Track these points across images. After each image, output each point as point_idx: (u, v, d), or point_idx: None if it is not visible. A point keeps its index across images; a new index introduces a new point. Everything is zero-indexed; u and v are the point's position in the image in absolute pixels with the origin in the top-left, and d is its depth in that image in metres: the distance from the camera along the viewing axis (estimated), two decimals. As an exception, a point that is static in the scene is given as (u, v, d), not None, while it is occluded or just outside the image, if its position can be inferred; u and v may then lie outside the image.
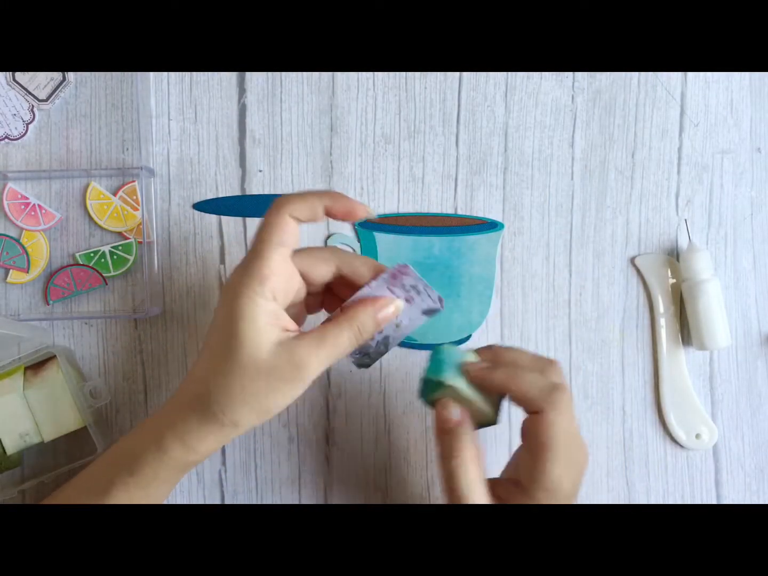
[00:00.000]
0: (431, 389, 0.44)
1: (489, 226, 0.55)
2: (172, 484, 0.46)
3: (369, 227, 0.55)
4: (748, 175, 0.56)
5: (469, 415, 0.44)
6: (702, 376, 0.56)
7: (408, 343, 0.55)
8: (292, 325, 0.43)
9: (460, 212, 0.56)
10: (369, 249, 0.55)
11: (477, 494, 0.42)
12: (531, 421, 0.43)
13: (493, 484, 0.44)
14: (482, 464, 0.43)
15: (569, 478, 0.43)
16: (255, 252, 0.42)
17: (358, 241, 0.55)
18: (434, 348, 0.45)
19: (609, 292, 0.56)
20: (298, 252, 0.43)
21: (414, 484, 0.55)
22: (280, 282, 0.42)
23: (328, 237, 0.55)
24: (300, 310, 0.46)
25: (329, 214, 0.43)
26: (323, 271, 0.44)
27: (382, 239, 0.55)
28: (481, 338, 0.55)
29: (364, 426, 0.55)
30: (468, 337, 0.56)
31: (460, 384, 0.43)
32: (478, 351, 0.46)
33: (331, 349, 0.42)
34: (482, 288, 0.55)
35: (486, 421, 0.45)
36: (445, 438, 0.44)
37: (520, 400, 0.43)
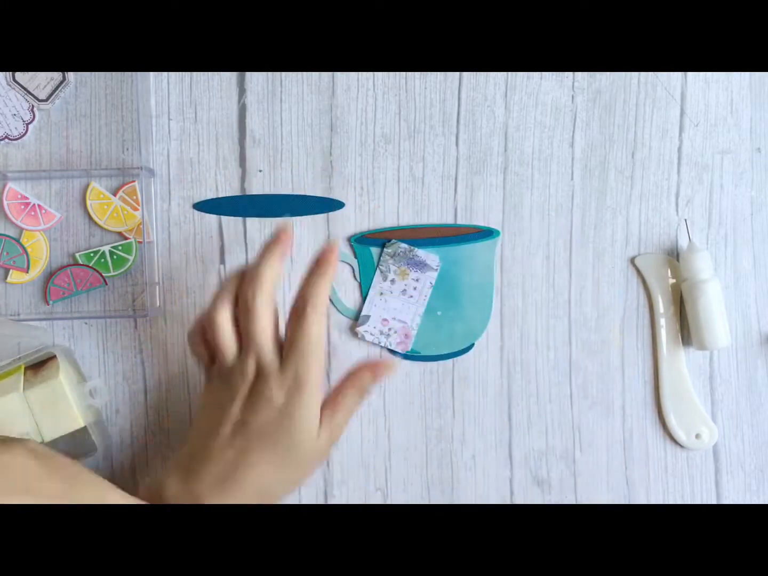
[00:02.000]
0: None
1: (485, 234, 0.55)
2: None
3: (365, 242, 0.55)
4: (748, 175, 0.56)
5: None
6: (702, 376, 0.56)
7: (411, 355, 0.55)
8: None
9: (459, 212, 0.56)
10: (366, 264, 0.55)
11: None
12: None
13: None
14: None
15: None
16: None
17: (355, 257, 0.55)
18: None
19: (609, 292, 0.56)
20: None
21: (414, 484, 0.55)
22: None
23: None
24: None
25: None
26: None
27: (379, 254, 0.55)
28: (481, 338, 0.55)
29: (364, 426, 0.55)
30: (471, 346, 0.55)
31: None
32: None
33: (344, 415, 0.47)
34: (482, 296, 0.55)
35: None
36: None
37: None
